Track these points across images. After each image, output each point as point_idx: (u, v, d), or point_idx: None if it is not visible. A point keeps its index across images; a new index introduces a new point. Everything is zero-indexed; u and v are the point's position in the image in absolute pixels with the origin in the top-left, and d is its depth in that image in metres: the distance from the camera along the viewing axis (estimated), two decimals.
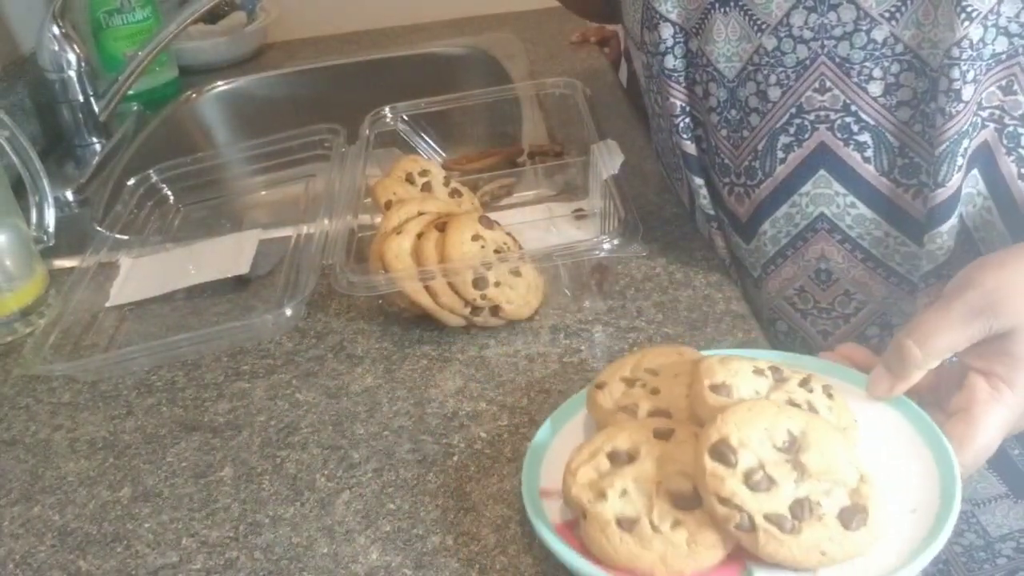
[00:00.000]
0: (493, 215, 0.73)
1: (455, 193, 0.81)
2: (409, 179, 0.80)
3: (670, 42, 0.69)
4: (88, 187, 1.04)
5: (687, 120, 0.73)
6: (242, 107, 1.33)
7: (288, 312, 0.70)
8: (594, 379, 0.57)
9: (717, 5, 0.65)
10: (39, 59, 1.08)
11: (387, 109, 0.94)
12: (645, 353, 0.58)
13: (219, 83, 1.32)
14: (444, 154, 1.00)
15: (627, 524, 0.46)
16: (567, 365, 0.66)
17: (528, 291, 0.70)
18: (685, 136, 0.73)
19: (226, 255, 0.84)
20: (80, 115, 1.11)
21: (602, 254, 0.67)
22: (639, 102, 1.16)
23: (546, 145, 0.98)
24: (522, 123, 1.04)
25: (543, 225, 0.82)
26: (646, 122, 1.04)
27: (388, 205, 0.76)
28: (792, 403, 0.50)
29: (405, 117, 0.95)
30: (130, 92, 1.14)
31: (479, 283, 0.67)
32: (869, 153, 0.65)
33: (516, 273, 0.69)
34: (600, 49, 1.32)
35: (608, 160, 0.77)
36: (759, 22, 0.64)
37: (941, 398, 0.53)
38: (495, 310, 0.69)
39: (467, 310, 0.68)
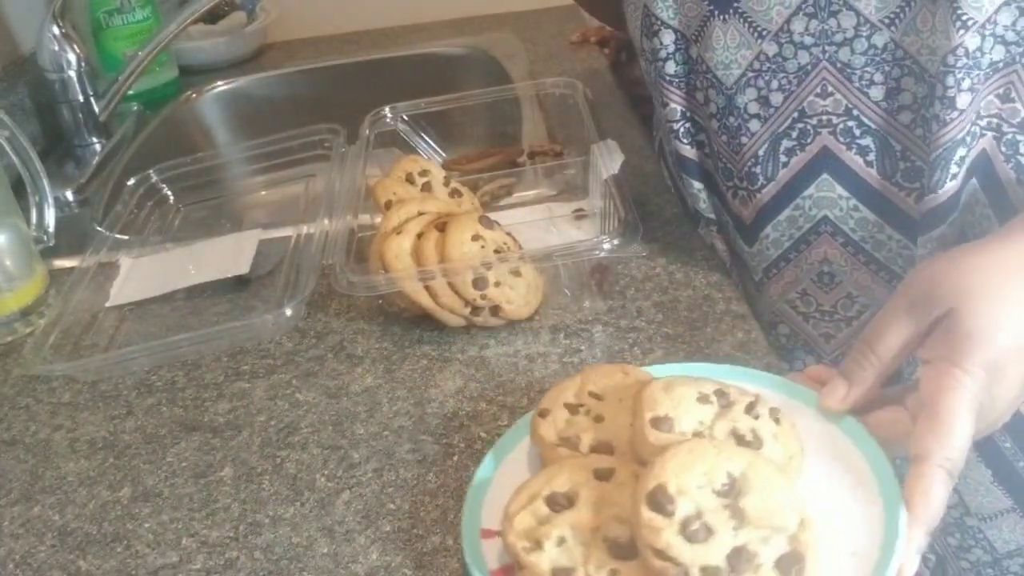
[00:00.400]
0: (493, 215, 0.73)
1: (455, 193, 0.81)
2: (409, 179, 0.80)
3: (671, 48, 0.69)
4: (88, 187, 1.05)
5: (687, 125, 0.73)
6: (242, 107, 1.33)
7: (288, 312, 0.70)
8: (538, 405, 0.55)
9: (716, 12, 0.65)
10: (39, 59, 1.08)
11: (387, 109, 0.94)
12: (588, 373, 0.56)
13: (219, 83, 1.32)
14: (444, 154, 1.00)
15: None
16: (567, 365, 0.66)
17: (528, 291, 0.70)
18: (685, 141, 0.74)
19: (226, 255, 0.84)
20: (80, 115, 1.11)
21: (602, 254, 0.67)
22: (633, 92, 1.16)
23: (546, 145, 0.98)
24: (522, 123, 1.04)
25: (543, 225, 0.82)
26: (645, 122, 1.04)
27: (388, 205, 0.76)
28: (736, 433, 0.49)
29: (405, 117, 0.95)
30: (130, 92, 1.14)
31: (479, 283, 0.67)
32: (872, 157, 0.65)
33: (516, 273, 0.69)
34: (600, 49, 1.32)
35: (608, 160, 0.77)
36: (759, 28, 0.64)
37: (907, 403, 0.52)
38: (495, 310, 0.69)
39: (467, 310, 0.68)
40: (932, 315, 0.49)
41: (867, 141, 0.64)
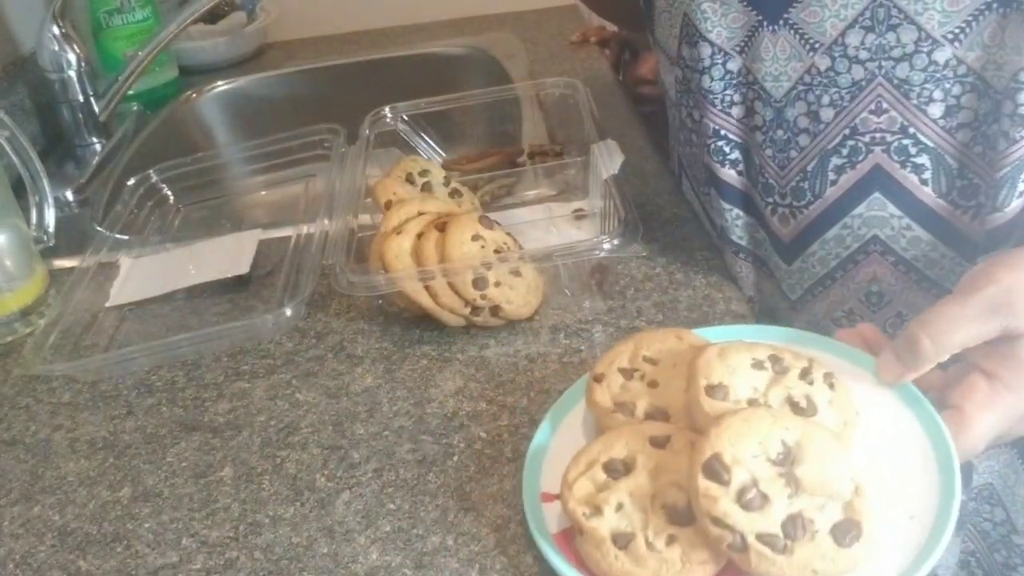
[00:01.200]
0: (493, 215, 0.73)
1: (455, 193, 0.81)
2: (409, 179, 0.80)
3: (707, 62, 0.68)
4: (88, 187, 1.04)
5: (719, 143, 0.71)
6: (242, 107, 1.33)
7: (288, 312, 0.70)
8: (593, 369, 0.57)
9: (765, 23, 0.63)
10: (39, 59, 1.08)
11: (387, 109, 0.94)
12: (642, 337, 0.57)
13: (219, 83, 1.32)
14: (444, 154, 1.00)
15: (622, 541, 0.46)
16: (567, 365, 0.66)
17: (528, 291, 0.70)
18: (717, 159, 0.71)
19: (226, 255, 0.84)
20: (80, 115, 1.11)
21: (602, 254, 0.67)
22: (636, 91, 1.16)
23: (546, 145, 0.97)
24: (522, 123, 1.04)
25: (543, 225, 0.82)
26: (647, 122, 1.04)
27: (388, 205, 0.76)
28: (791, 400, 0.50)
29: (405, 117, 0.95)
30: (130, 92, 1.14)
31: (479, 283, 0.67)
32: (927, 175, 0.63)
33: (516, 273, 0.69)
34: (600, 50, 1.32)
35: (608, 160, 0.77)
36: (812, 41, 0.62)
37: (944, 392, 0.53)
38: (495, 310, 0.69)
39: (467, 310, 0.68)
40: (1007, 328, 0.49)
41: (923, 159, 0.62)
